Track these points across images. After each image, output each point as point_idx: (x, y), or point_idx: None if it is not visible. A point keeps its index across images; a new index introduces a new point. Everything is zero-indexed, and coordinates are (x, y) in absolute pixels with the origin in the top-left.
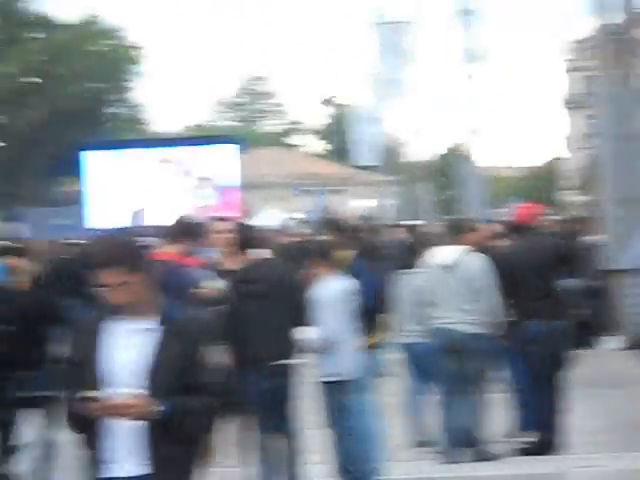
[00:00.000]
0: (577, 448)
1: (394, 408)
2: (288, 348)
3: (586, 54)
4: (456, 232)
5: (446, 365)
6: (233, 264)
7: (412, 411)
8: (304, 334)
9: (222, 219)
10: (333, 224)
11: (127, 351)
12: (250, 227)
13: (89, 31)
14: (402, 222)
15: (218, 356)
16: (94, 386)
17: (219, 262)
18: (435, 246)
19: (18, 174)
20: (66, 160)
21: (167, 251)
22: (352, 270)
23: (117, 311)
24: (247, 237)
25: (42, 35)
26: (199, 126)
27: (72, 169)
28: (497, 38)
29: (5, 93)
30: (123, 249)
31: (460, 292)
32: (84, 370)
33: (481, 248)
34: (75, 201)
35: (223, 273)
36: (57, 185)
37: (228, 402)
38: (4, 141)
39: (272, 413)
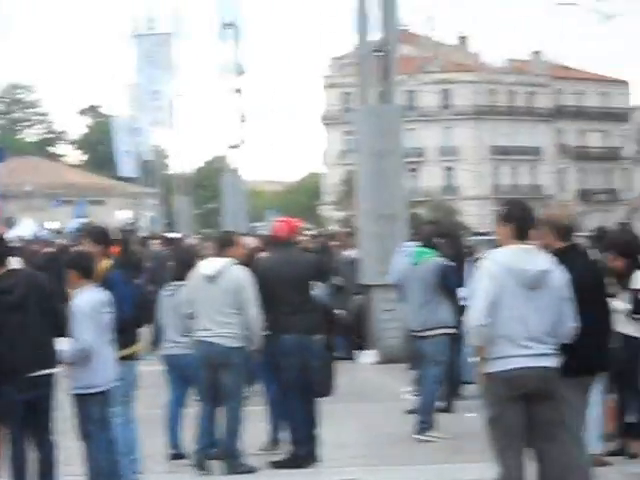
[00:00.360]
0: (332, 461)
1: (149, 420)
2: (47, 359)
3: (344, 71)
4: (220, 245)
5: (205, 377)
6: None
7: (170, 423)
8: (60, 345)
9: None
10: (90, 234)
11: None
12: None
13: None
14: (160, 234)
15: None
16: None
17: None
18: (201, 258)
19: None
20: None
21: None
22: (108, 281)
23: None
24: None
25: None
26: None
27: None
28: (260, 52)
29: None
30: None
31: (221, 304)
32: None
33: (244, 261)
34: None
35: None
36: None
37: None
38: None
39: (30, 425)
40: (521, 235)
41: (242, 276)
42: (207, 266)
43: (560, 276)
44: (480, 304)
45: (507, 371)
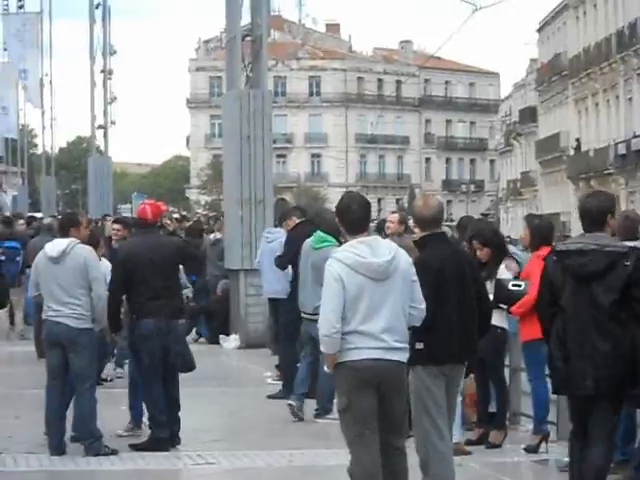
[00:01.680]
0: (192, 445)
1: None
2: None
3: (212, 54)
4: (65, 225)
5: (52, 359)
6: None
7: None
8: None
9: None
10: None
11: None
12: None
13: None
14: (24, 213)
15: None
16: None
17: None
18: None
19: None
20: None
21: None
22: None
23: None
24: None
25: None
26: None
27: None
28: (130, 33)
29: None
30: None
31: (67, 285)
32: None
33: (90, 242)
34: None
35: None
36: None
37: None
38: None
39: None
40: (356, 229)
41: (87, 255)
42: (51, 247)
43: (405, 261)
44: (329, 311)
45: (359, 361)
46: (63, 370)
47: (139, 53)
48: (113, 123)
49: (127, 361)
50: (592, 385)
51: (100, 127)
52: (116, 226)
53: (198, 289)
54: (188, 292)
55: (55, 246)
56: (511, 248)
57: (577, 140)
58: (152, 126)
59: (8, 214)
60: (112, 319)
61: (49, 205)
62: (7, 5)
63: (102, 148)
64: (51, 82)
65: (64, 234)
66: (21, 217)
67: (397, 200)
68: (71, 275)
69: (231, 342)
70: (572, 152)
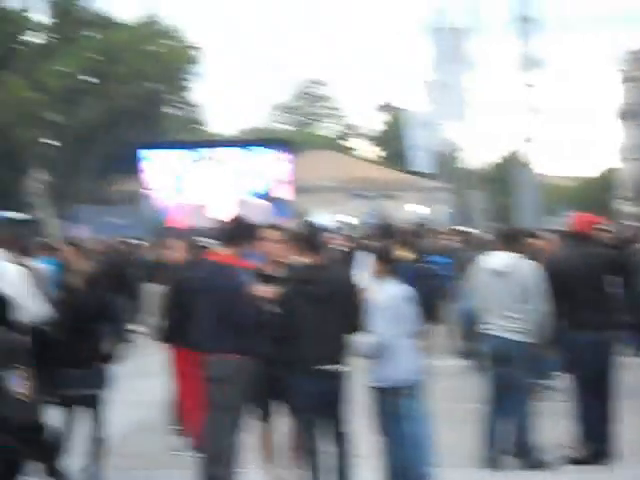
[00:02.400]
0: (627, 458)
1: (449, 414)
2: (342, 352)
3: None
4: (510, 239)
5: (493, 372)
6: (277, 271)
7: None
8: (358, 338)
9: (273, 227)
10: (388, 229)
11: None
12: (312, 229)
13: (147, 31)
14: (455, 229)
15: (19, 385)
16: None
17: (264, 267)
18: (488, 252)
19: (73, 173)
20: (122, 159)
21: (221, 252)
22: (406, 275)
23: None
24: (307, 240)
25: (99, 34)
26: (254, 129)
27: (127, 168)
28: (555, 46)
29: (61, 92)
30: None
31: (510, 299)
32: None
33: (534, 256)
34: (130, 200)
35: (266, 278)
36: (112, 184)
37: (31, 439)
38: (60, 140)
39: (323, 417)
40: None
41: (530, 270)
42: (495, 260)
43: None
44: None
45: None
46: (507, 383)
47: (565, 65)
48: (537, 137)
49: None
50: None
51: (526, 141)
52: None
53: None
54: None
55: (499, 260)
56: None
57: None
58: (580, 138)
59: (435, 228)
60: (550, 332)
61: (477, 219)
62: (434, 22)
63: (529, 162)
64: (476, 97)
65: (507, 248)
66: (446, 232)
67: None
68: (515, 289)
69: None
70: None
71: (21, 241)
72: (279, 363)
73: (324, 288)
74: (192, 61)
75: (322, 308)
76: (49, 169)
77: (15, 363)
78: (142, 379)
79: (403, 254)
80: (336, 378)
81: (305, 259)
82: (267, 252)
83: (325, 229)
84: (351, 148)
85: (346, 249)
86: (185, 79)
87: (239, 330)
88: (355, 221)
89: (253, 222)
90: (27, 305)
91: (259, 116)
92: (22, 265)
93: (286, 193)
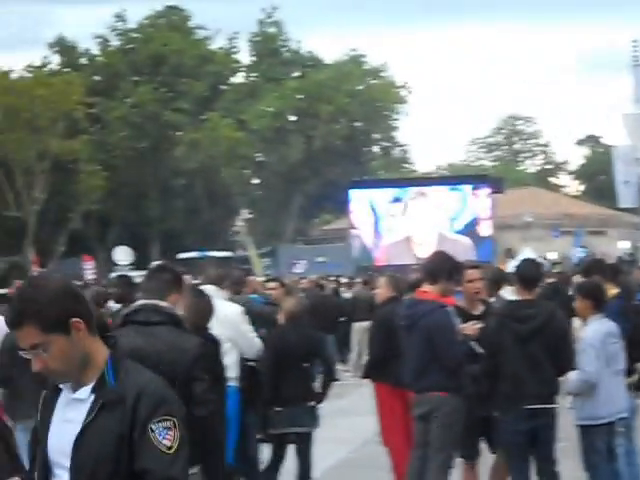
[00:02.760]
0: None
1: None
2: (552, 390)
3: None
4: None
5: None
6: (478, 310)
7: None
8: (568, 376)
9: (473, 265)
10: (595, 265)
11: (62, 428)
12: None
13: (352, 69)
14: None
15: (170, 434)
16: (41, 469)
17: (465, 306)
18: None
19: (278, 211)
20: (328, 198)
21: (426, 289)
22: (611, 311)
23: (54, 378)
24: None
25: (302, 73)
26: (454, 164)
27: (333, 207)
28: None
29: (266, 132)
30: (33, 303)
31: None
32: (39, 449)
33: None
34: (336, 239)
35: (468, 316)
36: (317, 223)
37: None
38: (265, 179)
39: (534, 455)
40: None
41: None
42: None
43: None
44: None
45: None
46: None
47: None
48: None
49: None
50: None
51: None
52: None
53: None
54: None
55: None
56: None
57: None
58: None
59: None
60: None
61: None
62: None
63: None
64: None
65: None
66: None
67: None
68: None
69: None
70: None
71: (231, 279)
72: (487, 401)
73: (532, 325)
74: (400, 100)
75: (530, 345)
76: (254, 208)
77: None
78: (348, 416)
79: (609, 290)
80: (547, 416)
81: (516, 295)
82: (468, 289)
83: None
84: (554, 184)
85: (552, 285)
86: (390, 117)
87: (445, 367)
88: (560, 257)
89: (455, 259)
90: (242, 343)
91: (460, 152)
92: (234, 303)
93: (488, 229)
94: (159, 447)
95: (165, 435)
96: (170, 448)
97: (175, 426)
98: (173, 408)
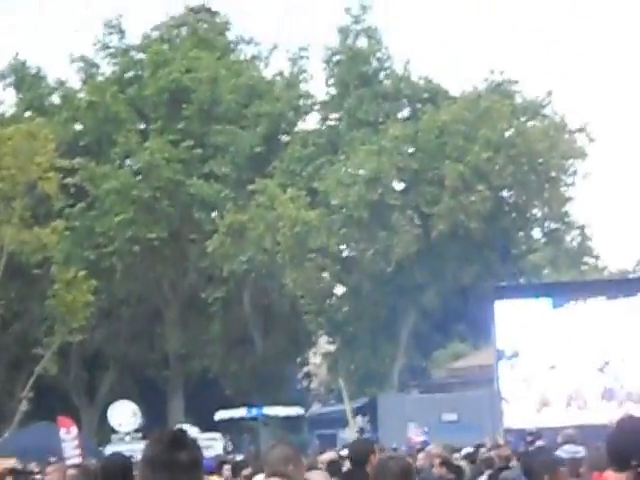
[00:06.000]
0: None
1: None
2: None
3: None
4: None
5: None
6: None
7: None
8: None
9: None
10: None
11: None
12: None
13: (492, 105)
14: None
15: None
16: None
17: None
18: None
19: (374, 339)
20: (456, 315)
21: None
22: None
23: None
24: None
25: (413, 112)
26: None
27: (466, 330)
28: None
29: (353, 209)
30: None
31: None
32: None
33: None
34: (470, 383)
35: None
36: (440, 357)
37: None
38: (349, 285)
39: None
40: None
41: None
42: None
43: None
44: None
45: None
46: None
47: None
48: None
49: None
50: None
51: None
52: None
53: None
54: None
55: None
56: None
57: None
58: None
59: None
60: None
61: None
62: None
63: None
64: None
65: None
66: None
67: None
68: None
69: None
70: None
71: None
72: None
73: None
74: (576, 154)
75: None
76: (339, 334)
77: None
78: None
79: None
80: None
81: None
82: None
83: None
84: None
85: None
86: (564, 183)
87: None
88: None
89: None
90: None
91: None
92: None
93: None
94: None
95: None
96: None
97: None
98: None
